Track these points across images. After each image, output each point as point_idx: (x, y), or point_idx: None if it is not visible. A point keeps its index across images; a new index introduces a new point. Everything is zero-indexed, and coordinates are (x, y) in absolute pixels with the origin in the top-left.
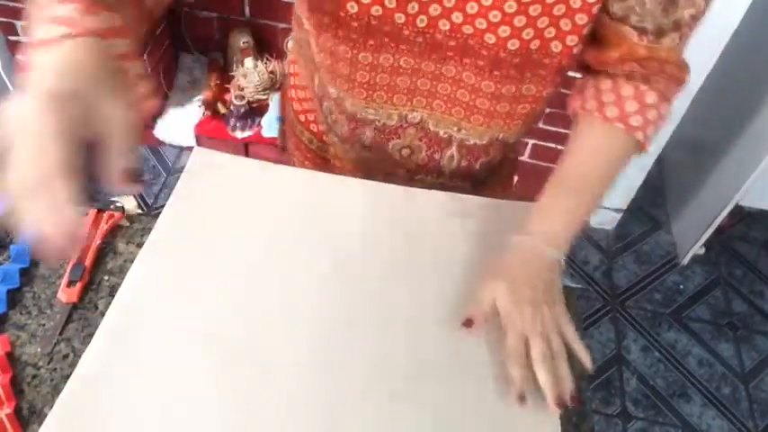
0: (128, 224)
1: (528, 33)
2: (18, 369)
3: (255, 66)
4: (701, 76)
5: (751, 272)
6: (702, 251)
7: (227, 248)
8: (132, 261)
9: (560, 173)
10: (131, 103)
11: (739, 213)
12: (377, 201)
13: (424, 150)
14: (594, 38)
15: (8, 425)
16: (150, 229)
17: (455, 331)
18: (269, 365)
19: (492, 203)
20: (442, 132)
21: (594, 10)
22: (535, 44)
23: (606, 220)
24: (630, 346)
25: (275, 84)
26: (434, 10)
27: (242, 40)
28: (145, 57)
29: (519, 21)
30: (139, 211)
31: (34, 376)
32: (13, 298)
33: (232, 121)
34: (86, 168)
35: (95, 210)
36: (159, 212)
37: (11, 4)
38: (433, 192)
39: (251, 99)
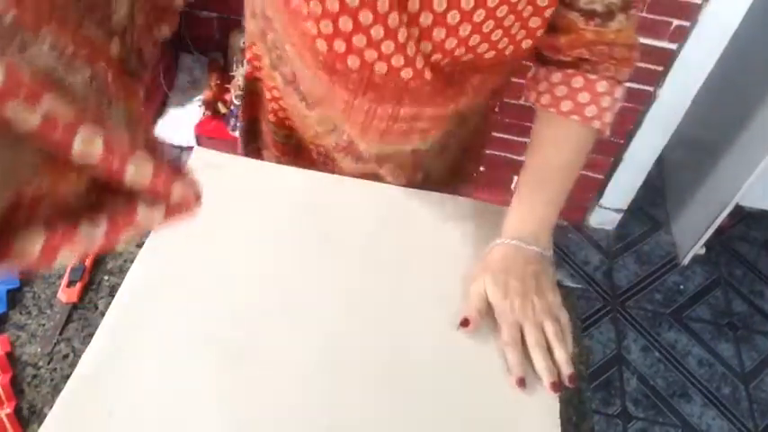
0: None
1: (503, 42)
2: (18, 369)
3: None
4: (701, 76)
5: (751, 272)
6: (703, 251)
7: (228, 248)
8: (132, 261)
9: (527, 171)
10: None
11: (739, 213)
12: (376, 201)
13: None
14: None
15: (8, 425)
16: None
17: (453, 329)
18: (269, 365)
19: (488, 207)
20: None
21: None
22: (510, 49)
23: (606, 220)
24: (631, 346)
25: None
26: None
27: (242, 40)
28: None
29: (495, 35)
30: None
31: (34, 376)
32: (13, 298)
33: (232, 122)
34: None
35: None
36: None
37: None
38: (430, 193)
39: None
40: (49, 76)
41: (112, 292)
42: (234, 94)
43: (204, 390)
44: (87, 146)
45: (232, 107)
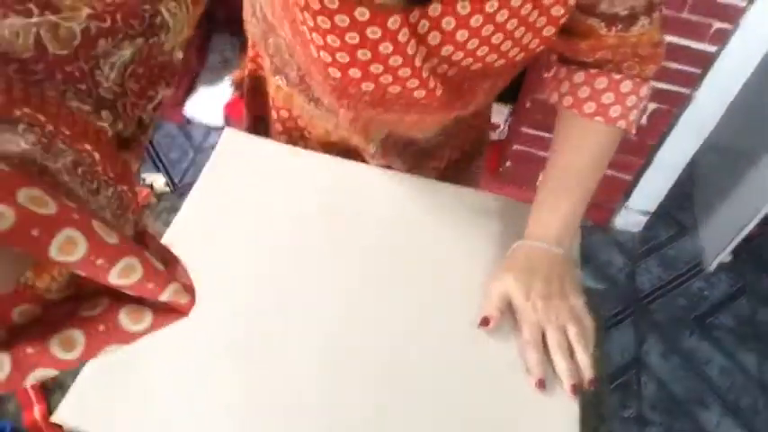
0: (155, 201)
1: (514, 51)
2: None
3: None
4: (739, 80)
5: None
6: (729, 258)
7: (253, 233)
8: (159, 239)
9: (550, 173)
10: None
11: None
12: (403, 192)
13: None
14: (563, 29)
15: (32, 394)
16: (177, 209)
17: (472, 328)
18: (288, 351)
19: (513, 204)
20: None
21: (571, 1)
22: (521, 56)
23: (632, 222)
24: (650, 351)
25: None
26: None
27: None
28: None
29: (505, 46)
30: (167, 189)
31: None
32: None
33: None
34: None
35: None
36: (186, 191)
37: None
38: (456, 187)
39: None
40: (25, 165)
41: None
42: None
43: (221, 370)
44: (66, 250)
45: None
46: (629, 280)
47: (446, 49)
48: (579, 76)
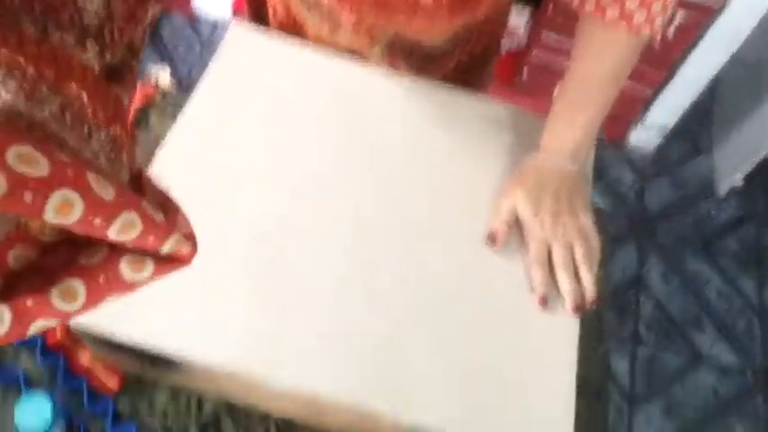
0: (160, 98)
1: None
2: None
3: None
4: None
5: None
6: (741, 183)
7: (260, 131)
8: (163, 137)
9: (568, 84)
10: None
11: None
12: (414, 97)
13: None
14: None
15: None
16: (183, 106)
17: (479, 242)
18: (295, 251)
19: (528, 116)
20: None
21: None
22: None
23: (646, 139)
24: (651, 271)
25: None
26: None
27: None
28: None
29: None
30: (173, 85)
31: None
32: None
33: None
34: None
35: None
36: (193, 88)
37: None
38: (472, 94)
39: None
40: (11, 120)
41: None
42: None
43: (227, 275)
44: (62, 212)
45: None
46: (637, 199)
47: None
48: None
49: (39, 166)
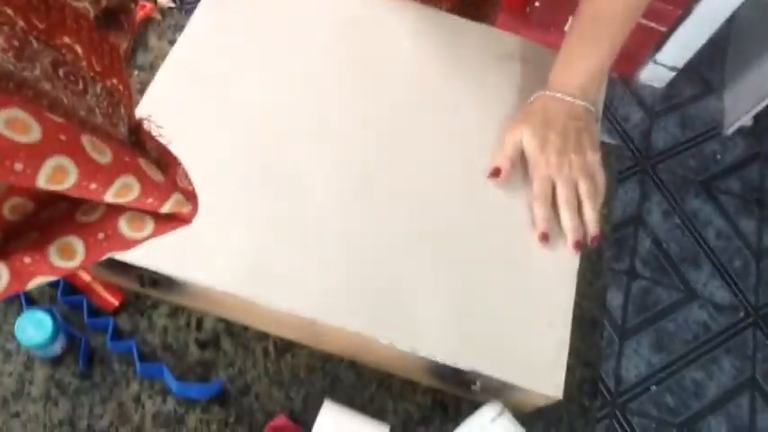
0: (159, 18)
1: None
2: None
3: None
4: None
5: None
6: (750, 123)
7: (262, 57)
8: (163, 58)
9: (580, 18)
10: None
11: None
12: (425, 26)
13: None
14: None
15: None
16: (182, 27)
17: (483, 176)
18: (298, 178)
19: (538, 49)
20: None
21: None
22: None
23: (656, 76)
24: (652, 209)
25: None
26: None
27: None
28: None
29: None
30: (172, 4)
31: None
32: None
33: None
34: None
35: None
36: (192, 8)
37: None
38: (482, 26)
39: None
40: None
41: (143, 88)
42: None
43: (231, 200)
44: (55, 179)
45: None
46: (644, 136)
47: None
48: None
49: (30, 132)
